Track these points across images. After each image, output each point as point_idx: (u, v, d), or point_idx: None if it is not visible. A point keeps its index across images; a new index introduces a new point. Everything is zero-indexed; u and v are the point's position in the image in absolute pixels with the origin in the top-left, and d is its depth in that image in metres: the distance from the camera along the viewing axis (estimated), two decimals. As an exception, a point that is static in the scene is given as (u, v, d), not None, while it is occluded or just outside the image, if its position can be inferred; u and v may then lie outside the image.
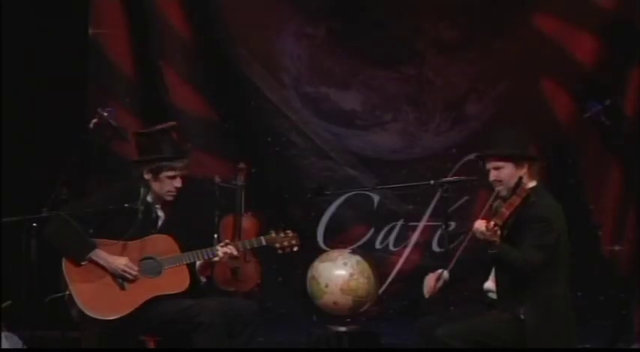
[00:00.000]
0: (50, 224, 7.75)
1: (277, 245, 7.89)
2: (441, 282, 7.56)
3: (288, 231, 7.96)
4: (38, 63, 9.58)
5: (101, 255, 7.55)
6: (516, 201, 7.32)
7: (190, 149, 8.53)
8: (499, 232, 7.25)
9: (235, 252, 7.82)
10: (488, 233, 7.21)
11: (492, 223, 7.23)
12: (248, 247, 8.07)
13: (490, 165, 7.60)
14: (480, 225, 7.28)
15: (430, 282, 7.63)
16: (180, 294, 7.72)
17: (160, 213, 7.84)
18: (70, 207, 7.95)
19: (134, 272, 7.54)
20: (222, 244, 7.84)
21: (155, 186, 7.66)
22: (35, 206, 8.22)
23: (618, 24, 9.35)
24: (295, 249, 8.01)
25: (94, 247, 7.56)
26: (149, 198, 7.74)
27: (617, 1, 9.35)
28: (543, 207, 7.52)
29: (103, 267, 7.63)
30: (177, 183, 7.71)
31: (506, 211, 7.28)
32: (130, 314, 7.56)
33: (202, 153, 9.61)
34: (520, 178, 7.44)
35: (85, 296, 7.58)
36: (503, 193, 7.47)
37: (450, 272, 7.58)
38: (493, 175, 7.57)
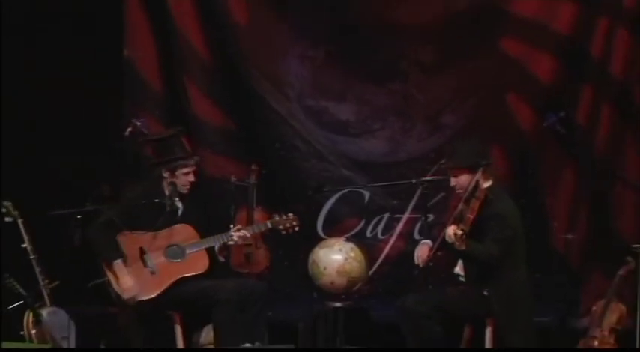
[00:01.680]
0: (91, 226, 7.96)
1: (281, 227, 8.06)
2: (432, 253, 7.76)
3: (290, 214, 8.12)
4: (82, 81, 9.46)
5: (118, 268, 7.76)
6: (476, 204, 7.52)
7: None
8: (465, 237, 7.44)
9: (248, 234, 8.04)
10: (457, 242, 7.41)
11: (460, 231, 7.40)
12: (256, 231, 8.21)
13: (450, 173, 7.79)
14: (450, 231, 7.47)
15: (424, 253, 7.84)
16: (201, 275, 7.89)
17: (179, 205, 7.99)
18: (107, 208, 8.17)
19: (130, 295, 7.71)
20: (235, 229, 8.02)
21: (171, 181, 7.87)
22: (79, 201, 8.39)
23: (573, 47, 9.43)
24: (296, 229, 8.16)
25: (115, 258, 7.78)
26: (168, 191, 7.94)
27: (572, 27, 9.40)
28: (499, 206, 7.73)
29: (135, 256, 7.83)
30: (191, 178, 7.89)
31: (470, 216, 7.48)
32: (159, 295, 7.81)
33: (220, 156, 9.81)
34: (477, 182, 7.68)
35: (123, 279, 7.81)
36: (465, 195, 7.68)
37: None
38: (453, 182, 7.83)
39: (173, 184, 7.93)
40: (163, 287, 7.83)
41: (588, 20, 9.42)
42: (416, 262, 7.95)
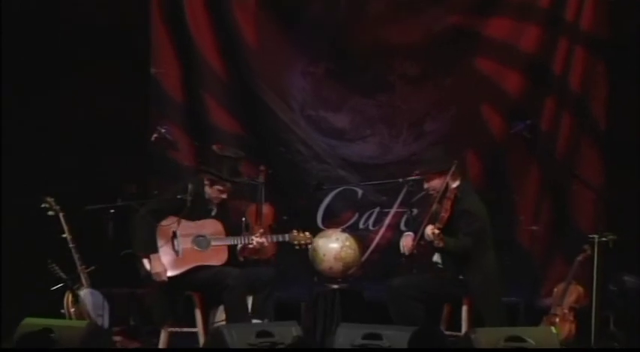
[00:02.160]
0: (133, 219, 7.96)
1: (296, 242, 8.07)
2: (415, 242, 7.81)
3: (307, 233, 8.16)
4: (116, 93, 9.43)
5: (153, 259, 7.75)
6: (448, 203, 7.64)
7: (244, 180, 8.42)
8: (442, 236, 7.53)
9: (266, 243, 8.04)
10: (436, 240, 7.51)
11: (437, 230, 7.50)
12: (274, 240, 8.16)
13: (424, 179, 7.95)
14: (428, 230, 7.56)
15: (408, 242, 7.88)
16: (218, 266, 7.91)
17: (214, 207, 8.00)
18: (149, 201, 8.23)
19: (162, 279, 7.74)
20: (257, 235, 8.00)
21: (208, 190, 7.88)
22: (111, 197, 8.67)
23: (537, 65, 9.43)
24: (309, 246, 8.28)
25: (151, 251, 7.78)
26: (206, 195, 7.92)
27: (537, 48, 9.39)
28: (468, 203, 7.79)
29: (167, 237, 7.81)
30: (223, 195, 7.91)
31: (444, 215, 7.58)
32: (181, 275, 7.81)
33: None
34: (447, 183, 7.78)
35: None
36: (438, 196, 7.76)
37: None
38: (426, 185, 7.94)
39: (207, 190, 7.97)
40: (183, 270, 7.87)
41: (551, 41, 9.41)
42: (401, 251, 7.98)
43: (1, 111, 9.18)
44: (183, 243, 7.90)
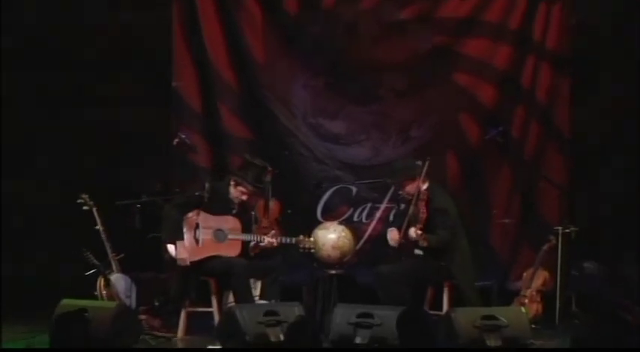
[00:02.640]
0: (163, 212, 8.01)
1: (301, 245, 8.10)
2: (401, 235, 7.79)
3: (312, 239, 8.22)
4: (142, 103, 9.44)
5: (178, 246, 7.77)
6: (422, 204, 7.67)
7: (266, 187, 8.46)
8: (424, 235, 7.61)
9: (275, 244, 8.03)
10: (420, 240, 7.59)
11: (419, 231, 7.57)
12: (283, 242, 8.09)
13: (397, 186, 8.16)
14: (412, 232, 7.61)
15: (395, 236, 7.85)
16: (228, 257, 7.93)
17: (235, 205, 8.02)
18: (175, 197, 8.32)
19: (186, 263, 7.74)
20: (270, 235, 8.04)
21: (232, 190, 7.91)
22: (138, 193, 8.76)
23: (508, 79, 9.39)
24: (312, 251, 8.27)
25: (177, 239, 7.80)
26: (230, 195, 7.95)
27: (508, 64, 9.35)
28: (439, 201, 7.83)
29: (192, 227, 7.83)
30: (244, 196, 7.94)
31: (422, 216, 7.62)
32: (198, 261, 7.85)
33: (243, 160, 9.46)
34: (418, 187, 7.77)
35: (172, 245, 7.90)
36: (413, 200, 7.74)
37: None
38: (401, 191, 8.00)
39: (231, 190, 8.00)
40: (202, 257, 7.90)
41: (520, 58, 9.41)
42: (389, 243, 8.01)
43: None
44: (204, 234, 7.92)
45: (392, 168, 8.37)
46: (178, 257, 7.83)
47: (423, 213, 7.71)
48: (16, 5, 9.21)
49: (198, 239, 7.90)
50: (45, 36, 9.40)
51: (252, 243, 8.03)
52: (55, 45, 9.45)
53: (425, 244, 7.68)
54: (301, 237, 8.13)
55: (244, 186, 7.95)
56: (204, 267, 7.95)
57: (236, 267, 7.86)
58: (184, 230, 7.85)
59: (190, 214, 7.89)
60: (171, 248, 7.89)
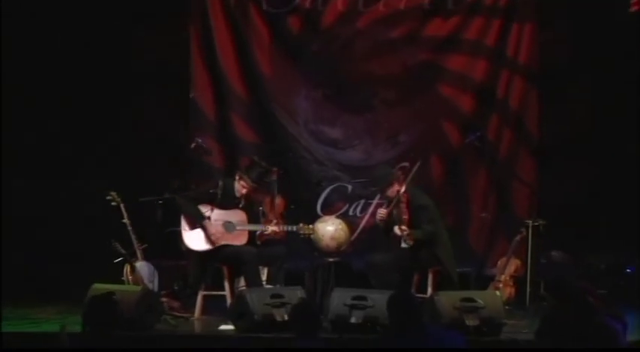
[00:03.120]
0: (179, 202, 8.03)
1: (301, 232, 8.11)
2: (388, 211, 7.78)
3: (311, 226, 8.21)
4: (163, 112, 9.51)
5: (207, 225, 7.84)
6: (404, 206, 7.65)
7: (272, 186, 8.45)
8: (409, 233, 7.61)
9: (278, 230, 8.07)
10: (407, 238, 7.60)
11: (405, 232, 7.56)
12: (284, 229, 8.12)
13: (379, 193, 8.26)
14: (397, 231, 7.63)
15: (382, 211, 7.89)
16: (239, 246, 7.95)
17: (242, 200, 8.04)
18: (190, 192, 8.26)
19: (220, 242, 7.81)
20: (273, 224, 8.07)
21: (236, 184, 7.96)
22: (159, 191, 8.72)
23: (485, 90, 9.42)
24: (311, 236, 8.29)
25: (203, 219, 7.86)
26: (235, 189, 8.00)
27: (485, 77, 9.39)
28: (418, 200, 7.80)
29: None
30: (244, 190, 7.96)
31: (405, 217, 7.61)
32: (210, 250, 7.90)
33: None
34: (397, 191, 7.77)
35: (188, 237, 7.96)
36: (393, 202, 7.75)
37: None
38: (383, 196, 8.08)
39: (235, 185, 8.04)
40: (213, 246, 7.94)
41: (495, 71, 9.43)
42: (377, 220, 8.01)
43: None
44: (215, 226, 7.95)
45: (372, 176, 8.40)
46: (212, 235, 7.89)
47: (404, 214, 7.68)
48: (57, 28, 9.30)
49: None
50: (93, 52, 9.52)
51: (257, 232, 8.04)
52: (97, 60, 9.53)
53: (411, 242, 7.70)
54: (301, 224, 8.14)
55: (245, 181, 7.97)
56: (217, 255, 7.96)
57: (246, 255, 7.86)
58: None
59: (203, 208, 7.93)
60: (185, 236, 7.94)
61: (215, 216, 7.95)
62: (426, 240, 7.78)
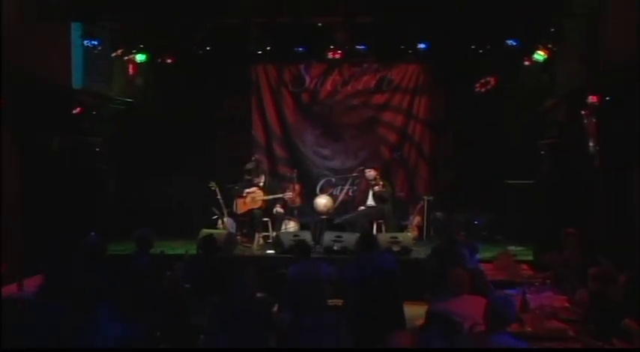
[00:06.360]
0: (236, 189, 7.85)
1: (286, 197, 7.81)
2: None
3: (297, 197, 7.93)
4: (237, 143, 9.04)
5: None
6: (380, 182, 7.49)
7: (294, 179, 8.08)
8: (381, 188, 7.33)
9: (292, 196, 7.93)
10: (381, 190, 7.30)
11: (381, 188, 7.25)
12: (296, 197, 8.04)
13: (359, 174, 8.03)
14: (375, 188, 7.42)
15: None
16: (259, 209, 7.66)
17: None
18: (244, 182, 7.95)
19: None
20: (288, 192, 7.90)
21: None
22: (234, 181, 8.11)
23: (403, 131, 9.00)
24: (313, 204, 8.04)
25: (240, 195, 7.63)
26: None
27: (402, 124, 8.95)
28: (384, 180, 7.69)
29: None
30: (290, 193, 7.85)
31: (381, 187, 7.42)
32: (245, 212, 7.76)
33: (283, 167, 9.18)
34: (375, 176, 7.68)
35: (243, 204, 7.77)
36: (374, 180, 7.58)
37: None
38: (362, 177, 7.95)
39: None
40: (246, 209, 7.81)
41: (408, 121, 9.12)
42: (376, 189, 7.65)
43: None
44: (252, 199, 7.82)
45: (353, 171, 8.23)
46: (288, 197, 7.70)
47: (381, 186, 7.58)
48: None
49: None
50: (198, 107, 8.95)
51: (280, 199, 7.82)
52: (200, 112, 9.03)
53: (383, 192, 7.42)
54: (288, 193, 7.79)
55: (253, 184, 7.79)
56: (249, 215, 7.76)
57: (255, 220, 7.52)
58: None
59: (251, 189, 7.74)
60: (239, 202, 7.67)
61: (253, 193, 7.68)
62: (385, 199, 7.58)
